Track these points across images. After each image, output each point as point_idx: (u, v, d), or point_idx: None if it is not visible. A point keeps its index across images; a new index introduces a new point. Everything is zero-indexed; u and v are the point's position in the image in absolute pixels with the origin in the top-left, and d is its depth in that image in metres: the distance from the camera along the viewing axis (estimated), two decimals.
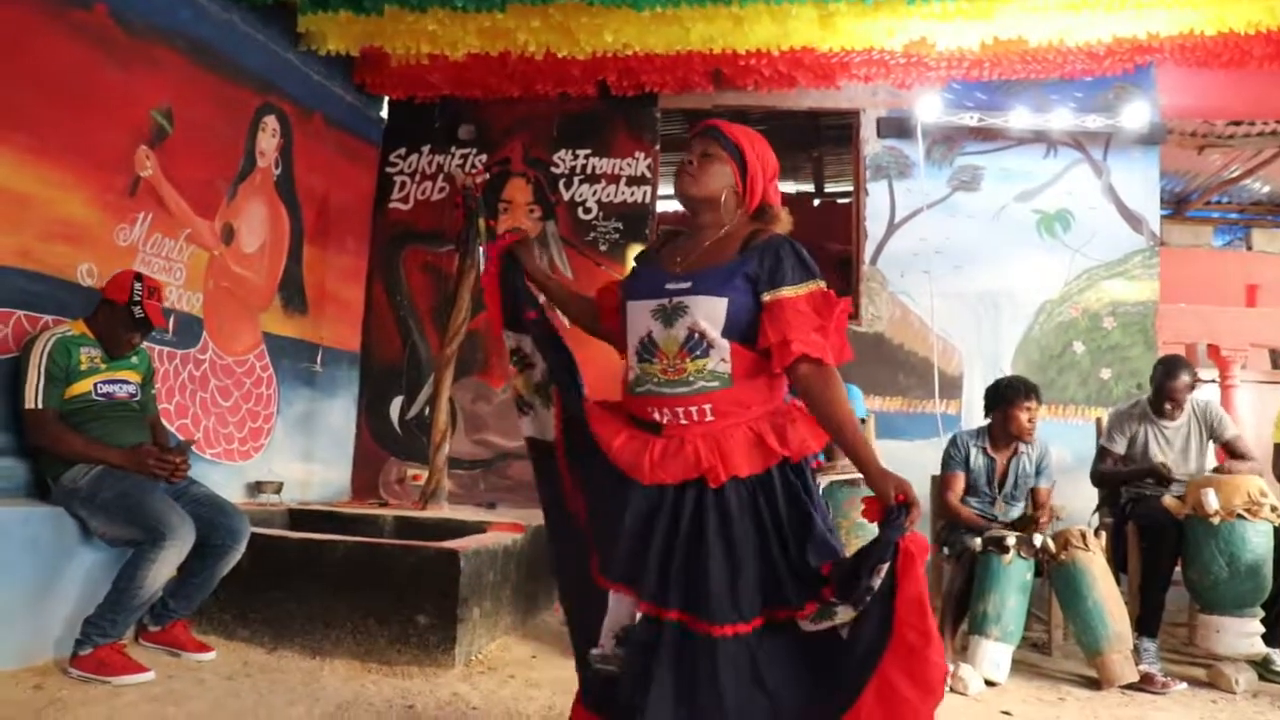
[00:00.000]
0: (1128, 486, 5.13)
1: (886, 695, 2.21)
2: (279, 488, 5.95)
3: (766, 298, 2.40)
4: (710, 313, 2.41)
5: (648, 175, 7.18)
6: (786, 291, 2.39)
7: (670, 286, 2.48)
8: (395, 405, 7.20)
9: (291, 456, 6.39)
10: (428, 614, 4.12)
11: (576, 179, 7.25)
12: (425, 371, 7.08)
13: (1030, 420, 4.97)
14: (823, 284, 2.44)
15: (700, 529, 2.37)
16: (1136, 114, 6.69)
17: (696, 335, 2.41)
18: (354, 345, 7.19)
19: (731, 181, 2.58)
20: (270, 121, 6.10)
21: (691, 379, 2.41)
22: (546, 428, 2.81)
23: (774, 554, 2.35)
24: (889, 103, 7.05)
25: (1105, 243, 6.85)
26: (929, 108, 6.83)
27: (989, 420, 5.12)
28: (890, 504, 2.26)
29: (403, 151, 7.47)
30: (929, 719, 2.25)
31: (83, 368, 4.05)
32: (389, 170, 7.46)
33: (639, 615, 2.39)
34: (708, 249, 2.55)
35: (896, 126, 7.03)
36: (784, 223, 2.60)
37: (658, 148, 7.26)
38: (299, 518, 5.55)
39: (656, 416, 2.46)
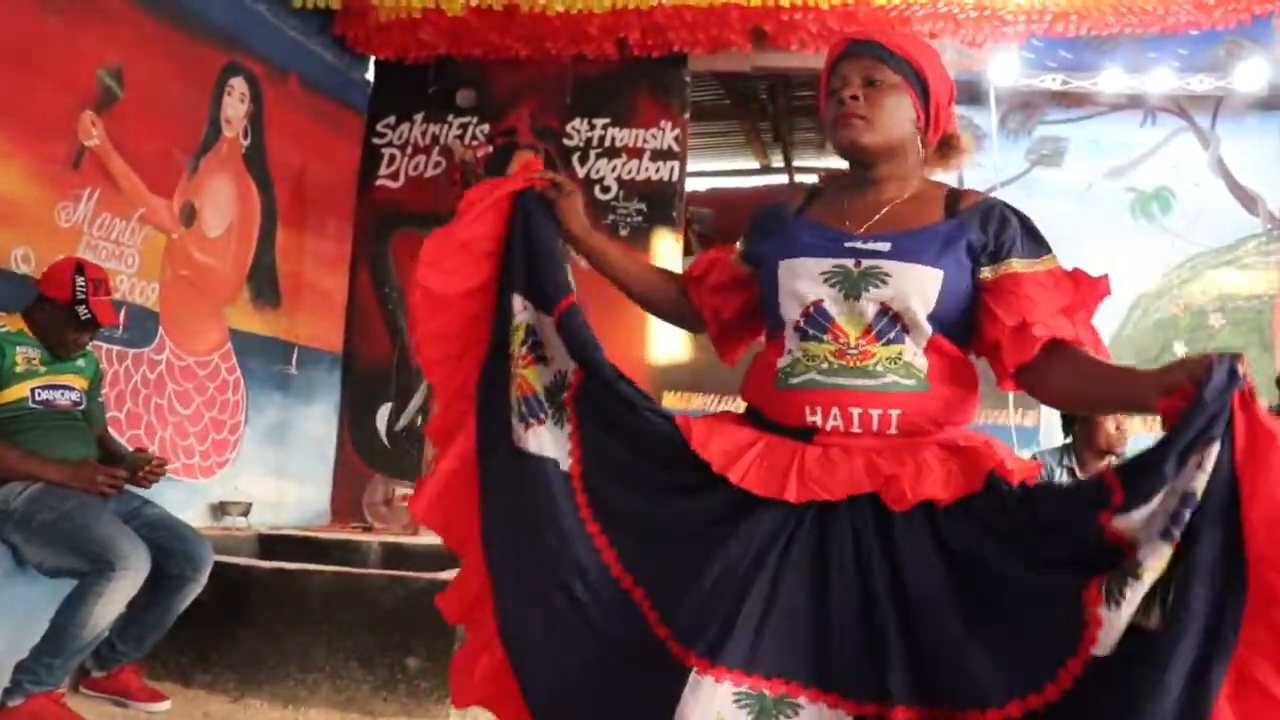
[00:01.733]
0: None
1: (1254, 707, 1.59)
2: (247, 509, 5.94)
3: (988, 273, 2.04)
4: (920, 286, 2.01)
5: (675, 148, 7.14)
6: (1017, 265, 2.03)
7: (856, 245, 2.07)
8: (383, 414, 7.18)
9: (262, 473, 6.37)
10: (419, 656, 4.10)
11: (593, 153, 7.22)
12: (417, 375, 7.05)
13: (1119, 428, 4.89)
14: (1058, 260, 2.08)
15: (866, 581, 1.89)
16: (1253, 74, 6.59)
17: (892, 314, 2.01)
18: (335, 344, 7.18)
19: (913, 116, 2.16)
20: (238, 84, 6.09)
21: (880, 369, 2.00)
22: (559, 448, 2.24)
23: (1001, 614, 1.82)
24: (957, 63, 6.97)
25: (1213, 226, 6.77)
26: (1004, 69, 6.77)
27: (1069, 437, 5.05)
28: (1199, 375, 1.66)
29: (392, 120, 7.46)
30: None
31: (18, 370, 4.03)
32: (376, 142, 7.45)
33: (839, 715, 1.84)
34: (897, 208, 2.16)
35: (966, 91, 6.92)
36: (966, 155, 2.29)
37: (687, 116, 7.23)
38: (270, 544, 5.57)
39: (814, 418, 2.02)
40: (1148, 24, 6.47)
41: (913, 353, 2.01)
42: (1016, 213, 2.11)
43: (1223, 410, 1.63)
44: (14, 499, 3.88)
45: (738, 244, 2.36)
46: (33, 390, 4.07)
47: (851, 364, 2.00)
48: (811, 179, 10.13)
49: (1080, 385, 2.00)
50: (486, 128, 7.29)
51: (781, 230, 2.21)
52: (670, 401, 6.87)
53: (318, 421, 6.98)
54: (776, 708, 1.84)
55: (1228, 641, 1.59)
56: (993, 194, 7.06)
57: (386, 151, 7.43)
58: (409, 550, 5.44)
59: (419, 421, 6.82)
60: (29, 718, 3.60)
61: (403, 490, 6.85)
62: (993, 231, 2.05)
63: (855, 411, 1.98)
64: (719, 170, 10.48)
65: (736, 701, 1.83)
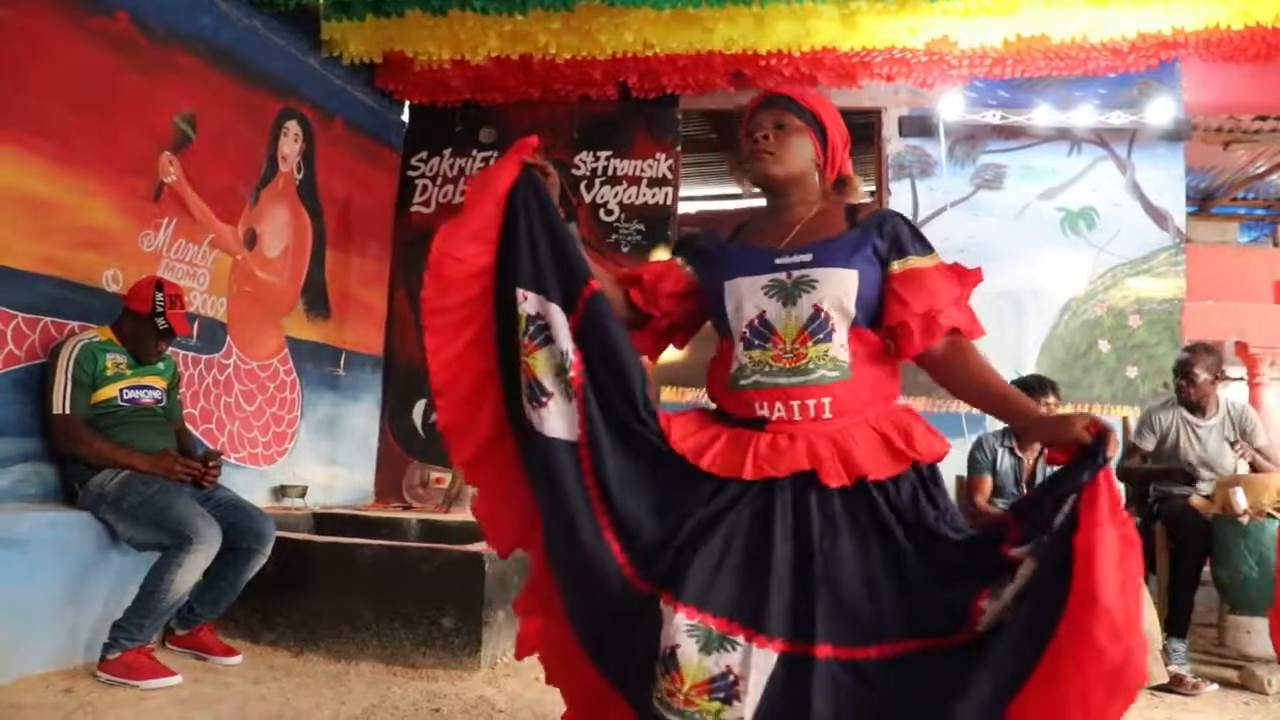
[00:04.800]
0: (1155, 485, 5.08)
1: (1054, 690, 1.75)
2: (303, 491, 5.97)
3: (897, 268, 2.14)
4: (840, 287, 2.10)
5: (669, 176, 7.16)
6: (916, 261, 2.14)
7: (783, 261, 2.16)
8: (419, 408, 7.20)
9: (315, 460, 6.41)
10: (453, 617, 4.12)
11: (598, 181, 7.24)
12: None
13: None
14: (941, 259, 2.20)
15: (808, 542, 1.99)
16: (1161, 110, 6.64)
17: (823, 315, 2.09)
18: (377, 349, 7.20)
19: (813, 154, 2.29)
20: (292, 126, 6.12)
21: (811, 366, 2.08)
22: (570, 424, 2.17)
23: (910, 575, 1.97)
24: (911, 101, 7.03)
25: (1130, 240, 6.78)
26: (951, 106, 6.81)
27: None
28: (1085, 442, 1.92)
29: (424, 155, 7.48)
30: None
31: (109, 373, 4.08)
32: (410, 174, 7.47)
33: (772, 655, 1.92)
34: (809, 224, 2.25)
35: (918, 125, 7.00)
36: (859, 193, 2.37)
37: (679, 149, 7.25)
38: (323, 521, 5.57)
39: (763, 412, 2.11)
40: (1072, 67, 6.52)
41: (839, 347, 2.10)
42: (904, 219, 2.23)
43: (1083, 474, 1.86)
44: (108, 484, 3.92)
45: (678, 259, 2.41)
46: (121, 390, 4.12)
47: (789, 364, 2.09)
48: None
49: (972, 394, 2.17)
50: None
51: (719, 257, 2.29)
52: (667, 395, 6.89)
53: (363, 416, 7.00)
54: (720, 642, 1.93)
55: (1048, 631, 1.77)
56: (942, 213, 7.12)
57: (420, 182, 7.46)
58: (443, 526, 5.45)
59: None
60: (124, 668, 3.65)
61: (436, 474, 6.85)
62: (889, 235, 2.17)
63: (795, 404, 2.09)
64: (707, 195, 10.49)
65: (689, 632, 1.93)
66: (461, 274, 2.28)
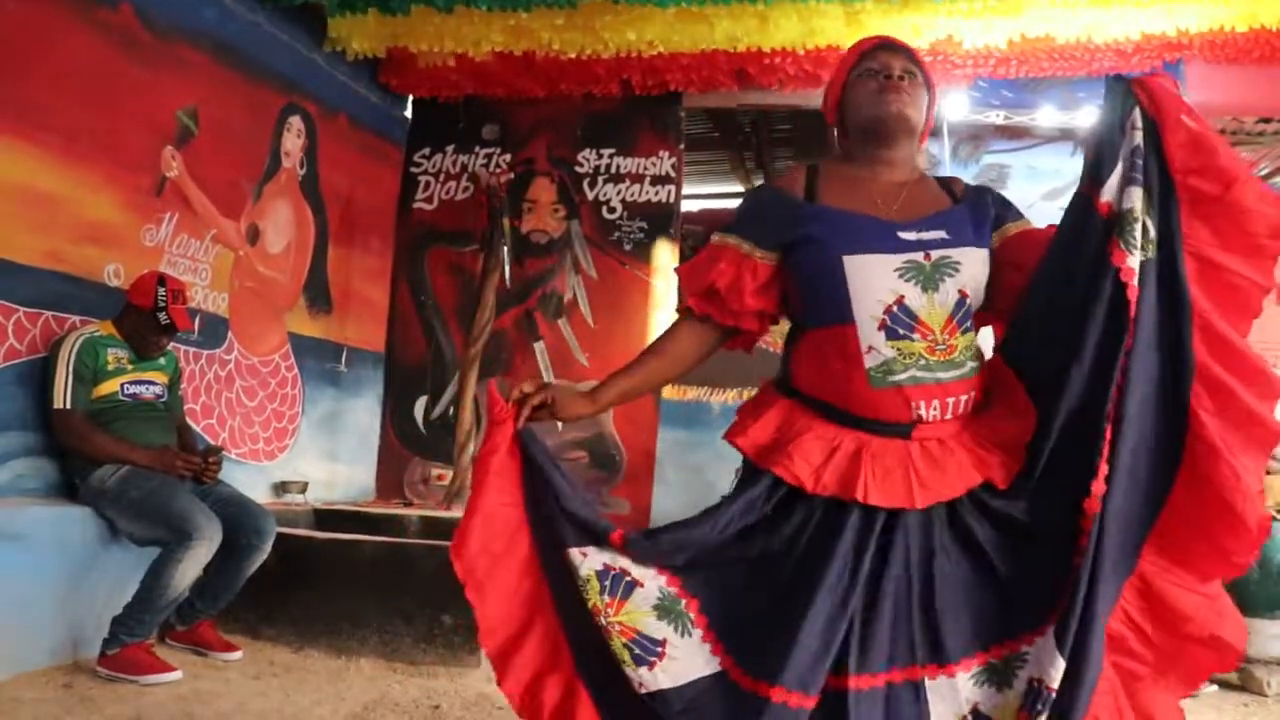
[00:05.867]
0: None
1: (1182, 540, 1.81)
2: (304, 488, 5.97)
3: (1014, 229, 2.05)
4: (980, 269, 1.95)
5: (672, 174, 7.14)
6: (1024, 224, 2.08)
7: (911, 237, 1.93)
8: (420, 405, 7.19)
9: (316, 456, 6.40)
10: (453, 614, 4.12)
11: (601, 178, 7.22)
12: (450, 371, 7.07)
13: None
14: None
15: (974, 560, 1.87)
16: None
17: (968, 301, 1.91)
18: (379, 345, 7.19)
19: (924, 114, 2.11)
20: (295, 122, 6.11)
21: (961, 359, 1.89)
22: (705, 658, 1.87)
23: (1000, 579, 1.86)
24: None
25: None
26: (955, 106, 6.78)
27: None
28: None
29: (427, 151, 7.45)
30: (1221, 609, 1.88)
31: (110, 368, 4.08)
32: (413, 170, 7.45)
33: (943, 680, 1.80)
34: (916, 191, 2.05)
35: None
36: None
37: (682, 147, 7.22)
38: (324, 517, 5.57)
39: (921, 411, 1.88)
40: (1076, 68, 6.49)
41: (976, 334, 1.96)
42: (994, 191, 2.15)
43: (1127, 89, 1.89)
44: (108, 479, 3.92)
45: (732, 239, 2.06)
46: (122, 385, 4.12)
47: (943, 357, 1.87)
48: None
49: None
50: (508, 157, 7.27)
51: (809, 219, 1.98)
52: (668, 393, 6.89)
53: (364, 412, 6.99)
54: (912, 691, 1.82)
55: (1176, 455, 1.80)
56: None
57: (422, 179, 7.43)
58: (444, 523, 5.45)
59: (451, 412, 6.83)
60: (124, 664, 3.66)
61: (437, 470, 6.86)
62: (997, 203, 2.08)
63: (950, 401, 1.89)
64: (709, 193, 10.46)
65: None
66: (500, 533, 2.02)
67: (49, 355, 4.06)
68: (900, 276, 1.88)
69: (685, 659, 1.85)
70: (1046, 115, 6.73)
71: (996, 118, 6.79)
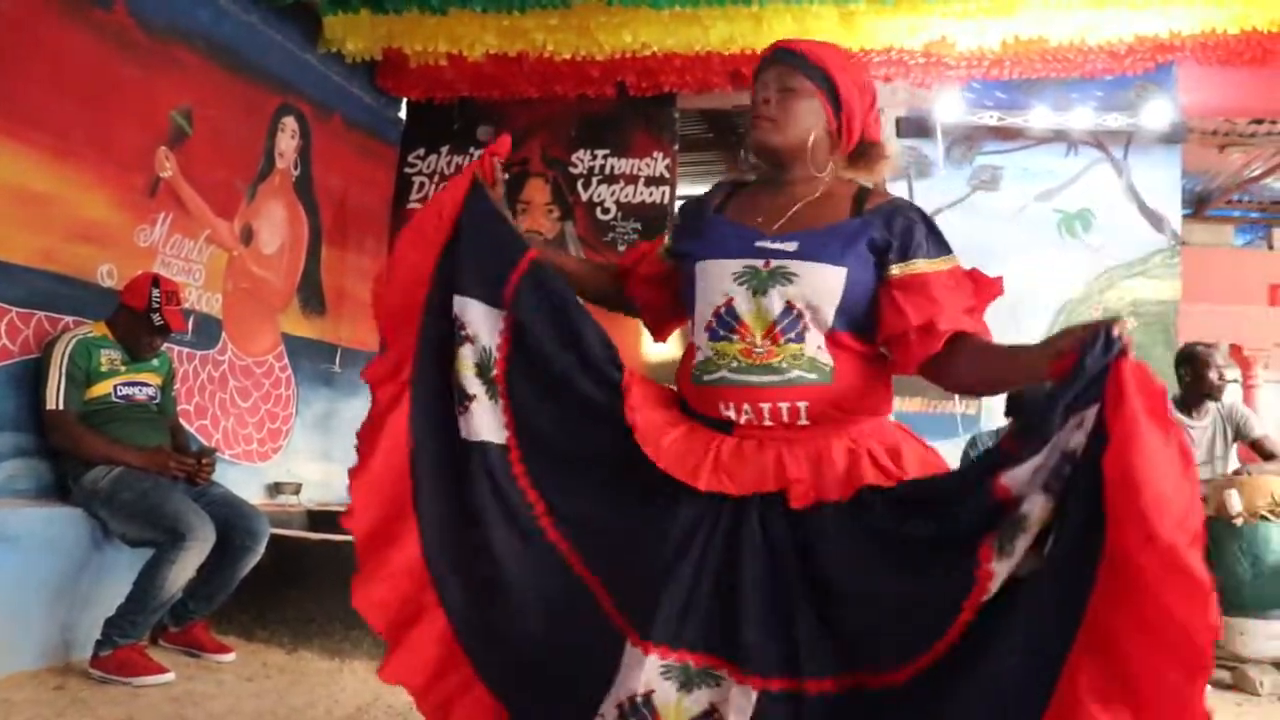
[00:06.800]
0: None
1: (1110, 663, 1.41)
2: (298, 489, 5.95)
3: (897, 271, 1.88)
4: (824, 285, 1.86)
5: (666, 175, 7.13)
6: (923, 265, 1.88)
7: (765, 245, 1.91)
8: None
9: (310, 457, 6.38)
10: None
11: (595, 179, 7.21)
12: None
13: None
14: (959, 262, 1.94)
15: (776, 568, 1.79)
16: (1157, 113, 6.62)
17: (796, 311, 1.86)
18: (373, 345, 7.06)
19: (824, 119, 2.00)
20: (289, 122, 6.10)
21: (784, 366, 1.85)
22: (496, 424, 2.05)
23: (903, 579, 1.73)
24: (908, 102, 7.00)
25: (1126, 242, 6.77)
26: (949, 107, 6.79)
27: (1009, 421, 5.09)
28: (1083, 340, 1.56)
29: (421, 152, 7.44)
30: (1193, 708, 1.41)
31: (103, 369, 4.06)
32: (408, 171, 7.42)
33: (752, 694, 1.74)
34: (808, 206, 1.99)
35: (916, 126, 6.97)
36: (890, 163, 2.11)
37: (676, 148, 7.21)
38: (318, 518, 5.55)
39: (729, 413, 1.89)
40: (1069, 70, 6.50)
41: (815, 348, 1.87)
42: (921, 214, 1.97)
43: (1102, 372, 1.51)
44: (101, 480, 3.91)
45: (665, 237, 2.21)
46: (115, 386, 4.11)
47: (758, 361, 1.86)
48: None
49: (978, 370, 1.88)
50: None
51: (701, 229, 2.05)
52: None
53: (358, 412, 6.83)
54: (701, 679, 1.78)
55: (1086, 586, 1.45)
56: (938, 214, 7.10)
57: (417, 179, 7.41)
58: None
59: None
60: (117, 665, 3.64)
61: None
62: (898, 231, 1.91)
63: (765, 406, 1.86)
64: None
65: (664, 674, 1.78)
66: (409, 279, 2.18)
67: (42, 356, 4.05)
68: (735, 280, 1.90)
69: (480, 417, 2.05)
70: (1040, 116, 6.73)
71: (990, 119, 6.79)
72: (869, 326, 1.93)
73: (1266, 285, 8.96)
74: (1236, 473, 4.84)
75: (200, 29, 5.24)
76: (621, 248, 7.01)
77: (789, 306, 1.86)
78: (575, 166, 7.22)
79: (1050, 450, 1.55)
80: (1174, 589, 1.37)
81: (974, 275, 1.95)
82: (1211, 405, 5.06)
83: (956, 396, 6.57)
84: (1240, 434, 5.06)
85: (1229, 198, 10.19)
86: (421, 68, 6.60)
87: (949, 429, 6.53)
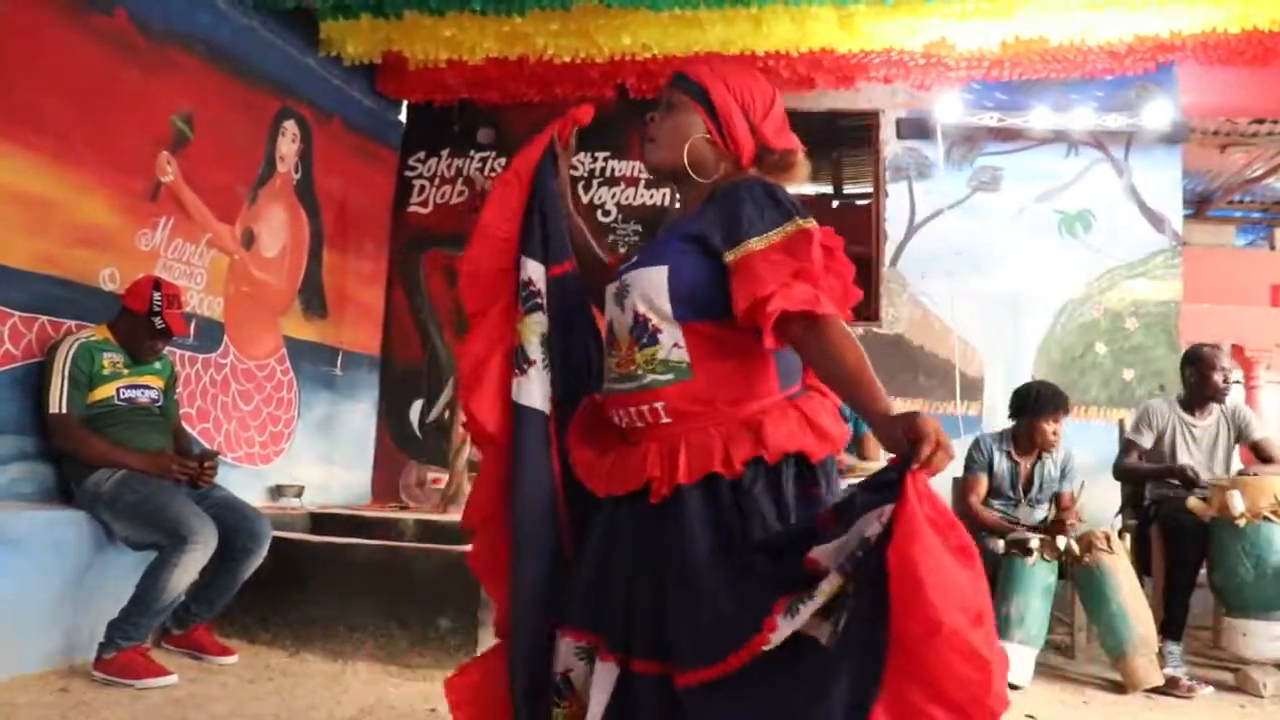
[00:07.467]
0: (1152, 487, 5.09)
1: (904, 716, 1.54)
2: (300, 491, 5.96)
3: (730, 257, 1.85)
4: (649, 288, 1.91)
5: None
6: (755, 244, 1.84)
7: (626, 265, 2.02)
8: (415, 408, 7.19)
9: (312, 460, 6.40)
10: (449, 617, 4.12)
11: (595, 182, 7.24)
12: (445, 374, 7.09)
13: (1055, 434, 4.93)
14: (804, 223, 1.85)
15: (657, 556, 1.88)
16: (1158, 113, 6.63)
17: (641, 318, 1.92)
18: (374, 349, 7.19)
19: (702, 130, 2.01)
20: (290, 126, 6.11)
21: (639, 373, 1.92)
22: (544, 394, 2.16)
23: (719, 589, 1.78)
24: (908, 104, 7.02)
25: (1127, 243, 6.77)
26: (949, 108, 6.80)
27: (1013, 424, 5.08)
28: (904, 447, 1.65)
29: (422, 155, 7.47)
30: None
31: (105, 372, 4.08)
32: (408, 174, 7.46)
33: (610, 667, 1.89)
34: (676, 215, 2.11)
35: (916, 127, 6.99)
36: (800, 170, 2.07)
37: None
38: (320, 521, 5.57)
39: (617, 420, 2.02)
40: (1070, 70, 6.52)
41: (669, 348, 1.89)
42: (753, 191, 1.90)
43: (894, 482, 1.62)
44: (104, 484, 3.92)
45: None
46: (118, 390, 4.11)
47: (622, 371, 1.96)
48: None
49: (828, 383, 1.87)
50: (503, 161, 7.26)
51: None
52: None
53: (359, 415, 6.99)
54: (590, 655, 1.96)
55: (878, 663, 1.55)
56: (939, 216, 7.08)
57: (417, 182, 7.45)
58: (440, 526, 5.44)
59: (447, 415, 6.84)
60: (120, 667, 3.65)
61: (433, 474, 6.84)
62: (721, 218, 1.89)
63: (632, 410, 1.95)
64: None
65: (578, 654, 1.99)
66: (494, 246, 2.25)
67: (44, 360, 4.06)
68: (613, 300, 2.02)
69: (533, 385, 2.15)
70: (1040, 117, 6.74)
71: (990, 120, 6.80)
72: (725, 312, 1.89)
73: (1268, 285, 8.96)
74: (1240, 474, 4.84)
75: (200, 33, 5.25)
76: (622, 250, 6.99)
77: (636, 315, 1.94)
78: (576, 169, 7.21)
79: (850, 534, 1.67)
80: (962, 666, 1.51)
81: (792, 239, 1.85)
82: (1215, 406, 5.06)
83: (957, 397, 6.58)
84: (1242, 435, 5.06)
85: (1230, 198, 10.21)
86: (421, 71, 6.63)
87: (950, 430, 6.49)
